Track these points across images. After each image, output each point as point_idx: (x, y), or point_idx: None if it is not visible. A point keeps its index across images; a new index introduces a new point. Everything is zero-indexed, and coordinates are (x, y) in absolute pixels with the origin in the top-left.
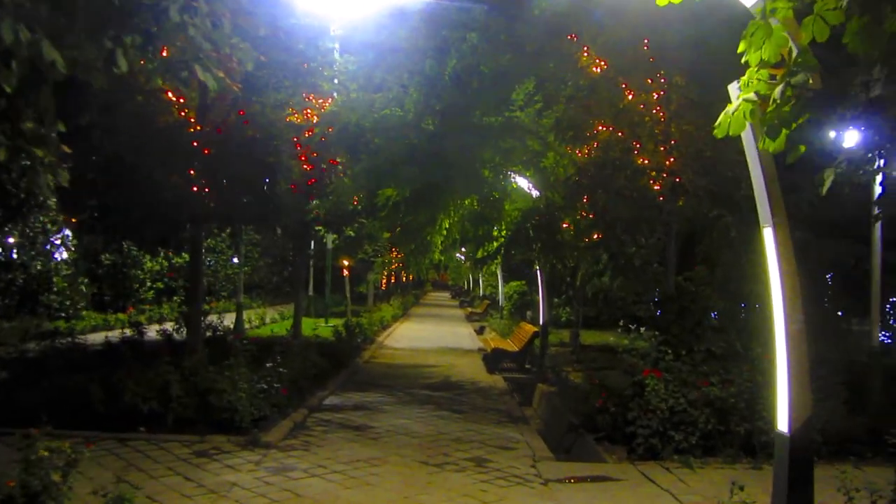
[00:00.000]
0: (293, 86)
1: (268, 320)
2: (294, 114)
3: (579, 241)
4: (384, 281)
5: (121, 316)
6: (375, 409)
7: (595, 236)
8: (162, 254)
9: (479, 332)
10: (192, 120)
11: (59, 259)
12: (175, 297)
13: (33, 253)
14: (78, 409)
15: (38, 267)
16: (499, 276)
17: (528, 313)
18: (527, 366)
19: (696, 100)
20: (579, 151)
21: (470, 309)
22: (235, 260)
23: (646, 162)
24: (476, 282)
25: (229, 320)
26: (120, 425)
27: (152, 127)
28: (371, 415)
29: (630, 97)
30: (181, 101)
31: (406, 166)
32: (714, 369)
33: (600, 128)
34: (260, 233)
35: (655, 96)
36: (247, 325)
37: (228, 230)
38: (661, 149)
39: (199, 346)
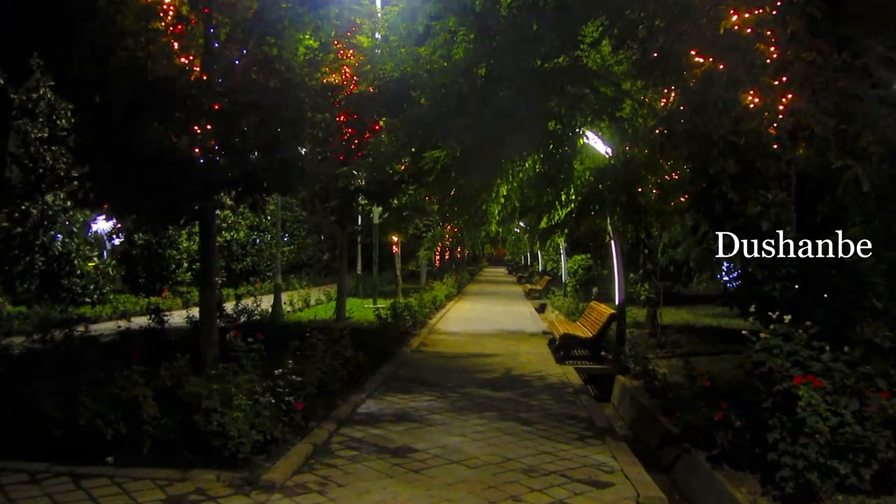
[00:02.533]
0: (322, 27)
1: (312, 302)
2: (330, 72)
3: (665, 205)
4: (438, 257)
5: (153, 299)
6: (422, 421)
7: (683, 198)
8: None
9: (540, 310)
10: (198, 69)
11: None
12: (216, 279)
13: (52, 233)
14: (32, 432)
15: (59, 248)
16: (561, 250)
17: (594, 290)
18: (602, 353)
19: (819, 17)
20: (664, 99)
21: (529, 285)
22: (286, 237)
23: (756, 101)
24: (535, 256)
25: (269, 303)
26: (81, 454)
27: (146, 76)
28: (416, 430)
29: (734, 17)
30: (181, 45)
31: (455, 118)
32: (881, 369)
33: (697, 59)
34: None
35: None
36: (289, 308)
37: (249, 200)
38: (776, 82)
39: (214, 340)
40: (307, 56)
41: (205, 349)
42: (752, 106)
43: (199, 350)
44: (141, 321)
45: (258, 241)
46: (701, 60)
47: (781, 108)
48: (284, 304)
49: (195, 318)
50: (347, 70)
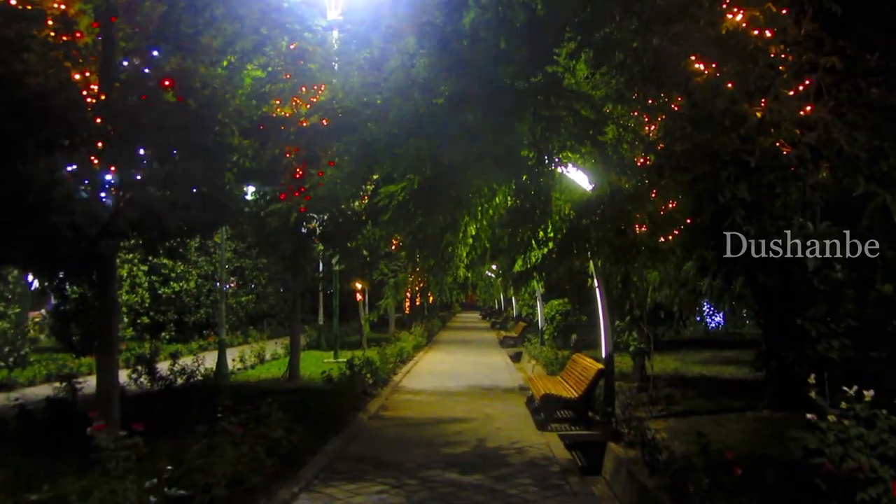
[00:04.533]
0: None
1: (268, 356)
2: (279, 105)
3: (658, 242)
4: (407, 304)
5: (85, 360)
6: None
7: (672, 235)
8: (145, 282)
9: (515, 358)
10: (95, 87)
11: None
12: (164, 333)
13: None
14: None
15: None
16: (537, 295)
17: (573, 337)
18: (590, 414)
19: (839, 14)
20: (651, 125)
21: (503, 332)
22: (250, 286)
23: (769, 114)
24: (508, 301)
25: (215, 361)
26: None
27: (20, 92)
28: None
29: (738, 16)
30: (74, 56)
31: (411, 140)
32: None
33: (698, 65)
34: (245, 250)
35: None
36: (239, 365)
37: (162, 246)
38: (791, 93)
39: (113, 419)
40: (254, 88)
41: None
42: (764, 120)
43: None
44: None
45: (212, 291)
46: (702, 67)
47: (797, 121)
48: (235, 360)
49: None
50: (298, 101)
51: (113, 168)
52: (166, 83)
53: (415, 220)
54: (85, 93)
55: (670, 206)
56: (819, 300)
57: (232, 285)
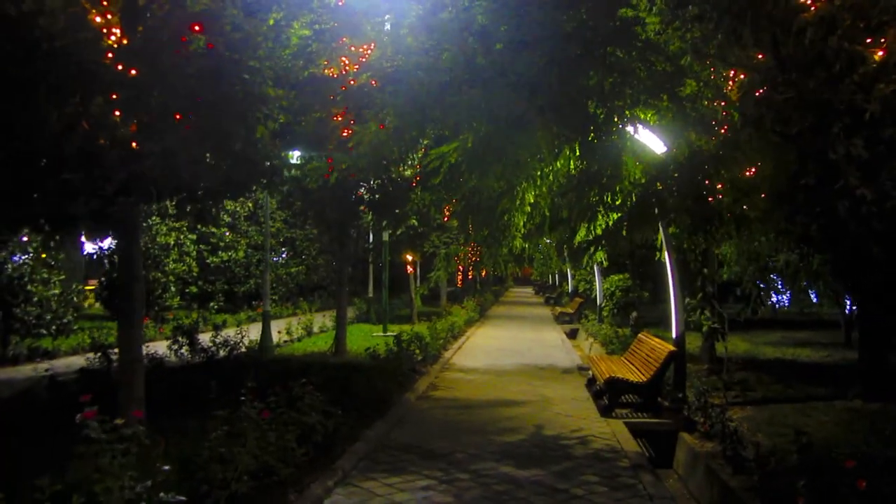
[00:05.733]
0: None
1: (316, 329)
2: (327, 65)
3: (744, 209)
4: (460, 278)
5: None
6: None
7: (760, 200)
8: (193, 251)
9: (571, 335)
10: (118, 31)
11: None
12: (212, 304)
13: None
14: None
15: (11, 273)
16: (595, 269)
17: (633, 314)
18: (659, 400)
19: None
20: (732, 81)
21: (558, 308)
22: (301, 256)
23: (880, 55)
24: (564, 275)
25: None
26: None
27: (34, 33)
28: None
29: None
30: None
31: (464, 89)
32: None
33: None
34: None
35: None
36: (286, 338)
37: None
38: None
39: (136, 396)
40: (300, 47)
41: (123, 407)
42: (887, 62)
43: (123, 404)
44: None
45: (262, 262)
46: (808, 2)
47: None
48: (282, 332)
49: (158, 355)
50: (346, 61)
51: (133, 120)
52: (196, 28)
53: (468, 185)
54: (107, 37)
55: (758, 168)
56: None
57: (283, 256)
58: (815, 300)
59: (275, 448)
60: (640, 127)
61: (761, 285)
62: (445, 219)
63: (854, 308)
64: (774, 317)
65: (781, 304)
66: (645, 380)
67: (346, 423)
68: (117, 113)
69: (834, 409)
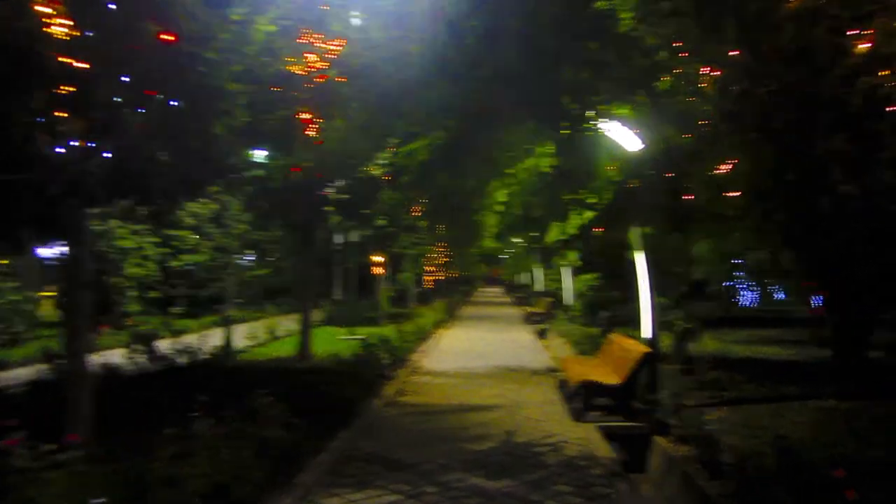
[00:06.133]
0: None
1: (282, 333)
2: (292, 62)
3: (722, 207)
4: (430, 279)
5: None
6: None
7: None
8: (154, 255)
9: (542, 335)
10: (64, 21)
11: None
12: (175, 309)
13: None
14: None
15: None
16: (567, 268)
17: (606, 314)
18: (633, 402)
19: None
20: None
21: (529, 308)
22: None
23: (866, 46)
24: (534, 276)
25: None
26: None
27: None
28: None
29: None
30: None
31: (433, 85)
32: None
33: None
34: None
35: None
36: (251, 343)
37: (147, 207)
38: None
39: (82, 414)
40: (266, 44)
41: (68, 426)
42: (872, 54)
43: (70, 422)
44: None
45: (228, 265)
46: None
47: None
48: (246, 337)
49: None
50: (311, 58)
51: (79, 116)
52: (149, 18)
53: (438, 183)
54: (51, 27)
55: (735, 165)
56: None
57: (248, 260)
58: (783, 298)
59: (230, 466)
60: (616, 123)
61: (732, 285)
62: (414, 213)
63: (824, 306)
64: (743, 314)
65: (749, 302)
66: (619, 382)
67: (310, 434)
68: (62, 109)
69: (808, 409)
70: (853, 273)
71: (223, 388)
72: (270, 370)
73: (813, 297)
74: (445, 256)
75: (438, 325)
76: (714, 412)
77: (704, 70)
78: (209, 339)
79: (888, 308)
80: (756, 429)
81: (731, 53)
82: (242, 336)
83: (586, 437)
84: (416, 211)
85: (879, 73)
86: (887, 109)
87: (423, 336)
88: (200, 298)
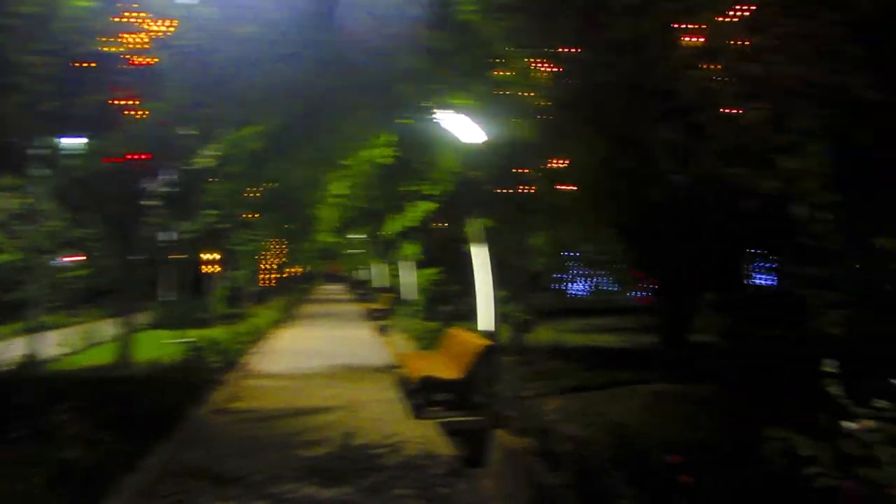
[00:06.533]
0: None
1: (104, 338)
2: (109, 41)
3: (562, 198)
4: (267, 277)
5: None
6: None
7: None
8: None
9: (384, 332)
10: None
11: None
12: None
13: None
14: None
15: None
16: (409, 263)
17: (447, 308)
18: (474, 397)
19: None
20: (544, 67)
21: (371, 305)
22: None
23: (699, 41)
24: (376, 271)
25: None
26: None
27: None
28: None
29: None
30: None
31: (266, 65)
32: None
33: None
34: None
35: None
36: (62, 351)
37: None
38: (733, 18)
39: None
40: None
41: None
42: (700, 49)
43: None
44: None
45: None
46: None
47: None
48: (60, 344)
49: None
50: (135, 38)
51: None
52: None
53: (270, 174)
54: None
55: (573, 156)
56: (815, 259)
57: (64, 260)
58: (614, 288)
59: (17, 500)
60: (456, 114)
61: (567, 276)
62: (247, 208)
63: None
64: (573, 305)
65: (581, 292)
66: (459, 376)
67: (122, 450)
68: None
69: (640, 394)
70: (680, 260)
71: (21, 404)
72: (82, 380)
73: (638, 287)
74: (283, 253)
75: (276, 324)
76: (553, 401)
77: (540, 64)
78: (13, 349)
79: (712, 293)
80: (593, 416)
81: (565, 50)
82: (55, 343)
83: (426, 435)
84: (249, 205)
85: (708, 67)
86: (719, 111)
87: (258, 337)
88: (4, 303)
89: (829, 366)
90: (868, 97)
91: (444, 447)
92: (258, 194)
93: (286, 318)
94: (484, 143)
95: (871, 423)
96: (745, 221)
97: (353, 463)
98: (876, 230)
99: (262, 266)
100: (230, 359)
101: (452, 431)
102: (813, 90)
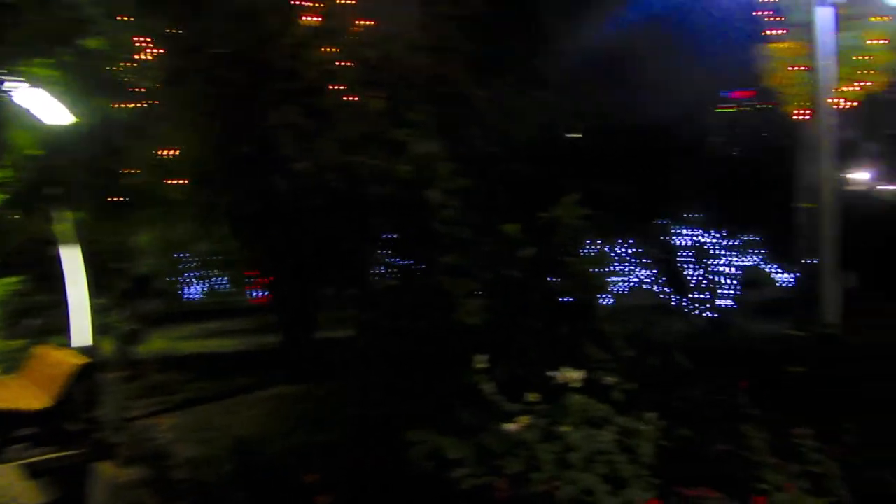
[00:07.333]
0: None
1: None
2: None
3: (167, 188)
4: None
5: None
6: None
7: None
8: None
9: None
10: None
11: None
12: None
13: None
14: None
15: None
16: None
17: (32, 322)
18: (69, 426)
19: None
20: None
21: None
22: None
23: (315, 20)
24: None
25: None
26: None
27: None
28: None
29: None
30: None
31: None
32: None
33: None
34: None
35: None
36: None
37: None
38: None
39: None
40: None
41: None
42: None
43: None
44: None
45: None
46: None
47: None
48: None
49: None
50: None
51: None
52: None
53: None
54: None
55: (184, 143)
56: (450, 247)
57: None
58: (227, 288)
59: None
60: (34, 88)
61: (178, 279)
62: None
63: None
64: (181, 309)
65: (193, 295)
66: (47, 404)
67: None
68: None
69: (261, 400)
70: (299, 253)
71: None
72: None
73: (253, 287)
74: None
75: None
76: (166, 420)
77: (141, 41)
78: None
79: (333, 287)
80: (211, 431)
81: (170, 31)
82: None
83: (3, 485)
84: None
85: (326, 49)
86: (333, 87)
87: None
88: None
89: (480, 361)
90: (475, 94)
91: (28, 495)
92: None
93: None
94: (74, 123)
95: (526, 420)
96: (375, 209)
97: None
98: (503, 217)
99: None
100: None
101: (40, 472)
102: (424, 82)
